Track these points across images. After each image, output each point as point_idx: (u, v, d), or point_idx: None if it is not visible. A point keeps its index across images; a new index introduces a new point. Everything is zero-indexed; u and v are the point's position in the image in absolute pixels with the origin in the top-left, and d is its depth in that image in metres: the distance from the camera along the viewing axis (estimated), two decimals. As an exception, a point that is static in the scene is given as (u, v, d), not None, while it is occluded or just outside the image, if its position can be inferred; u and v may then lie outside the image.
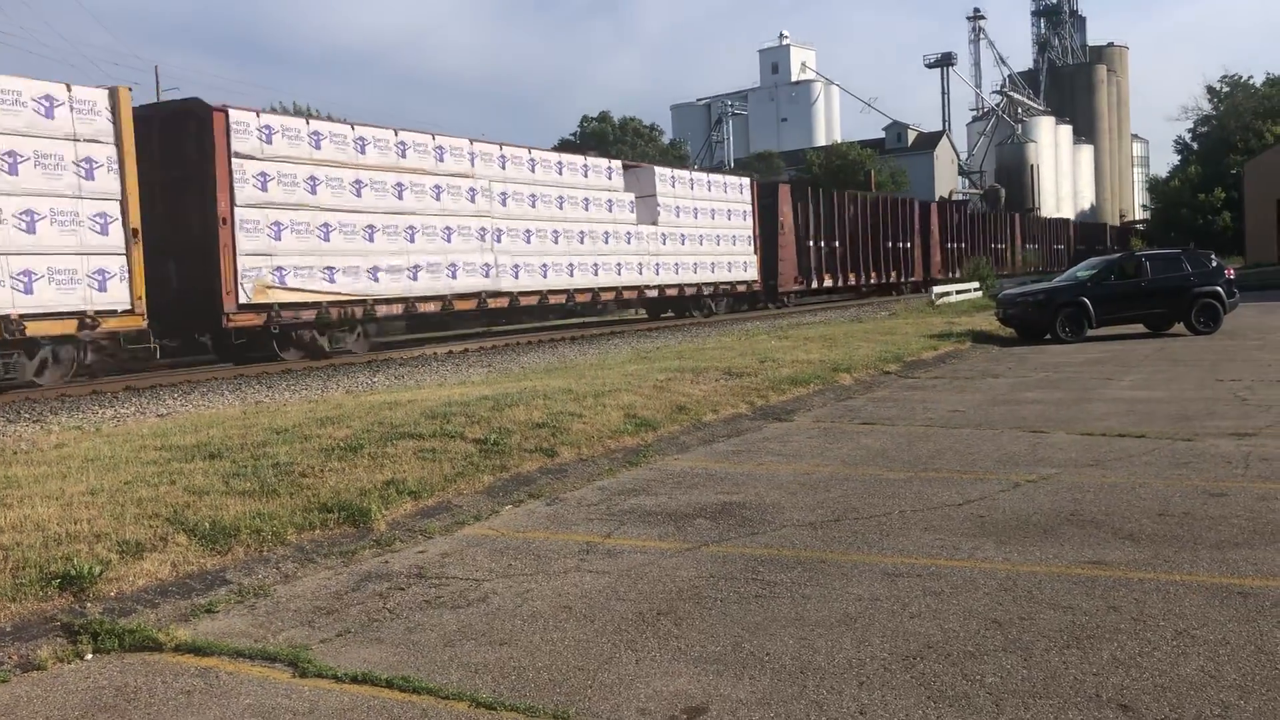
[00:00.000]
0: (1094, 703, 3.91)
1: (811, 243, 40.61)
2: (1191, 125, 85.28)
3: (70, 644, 4.93)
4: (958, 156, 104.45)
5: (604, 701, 4.12)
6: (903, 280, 49.34)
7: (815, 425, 11.16)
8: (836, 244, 42.55)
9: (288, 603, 5.58)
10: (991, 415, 11.28)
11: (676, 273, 32.17)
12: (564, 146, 64.14)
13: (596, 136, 77.72)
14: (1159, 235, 78.78)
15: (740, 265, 35.82)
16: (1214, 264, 21.42)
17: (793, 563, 5.93)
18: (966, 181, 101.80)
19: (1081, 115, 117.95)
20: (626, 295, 30.38)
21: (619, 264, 29.23)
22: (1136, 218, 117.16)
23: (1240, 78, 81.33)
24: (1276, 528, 6.23)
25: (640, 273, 30.38)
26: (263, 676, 4.53)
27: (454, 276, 23.53)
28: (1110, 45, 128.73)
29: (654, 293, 31.46)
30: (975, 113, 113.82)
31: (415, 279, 22.50)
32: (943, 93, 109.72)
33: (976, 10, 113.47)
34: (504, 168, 25.25)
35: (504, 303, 25.36)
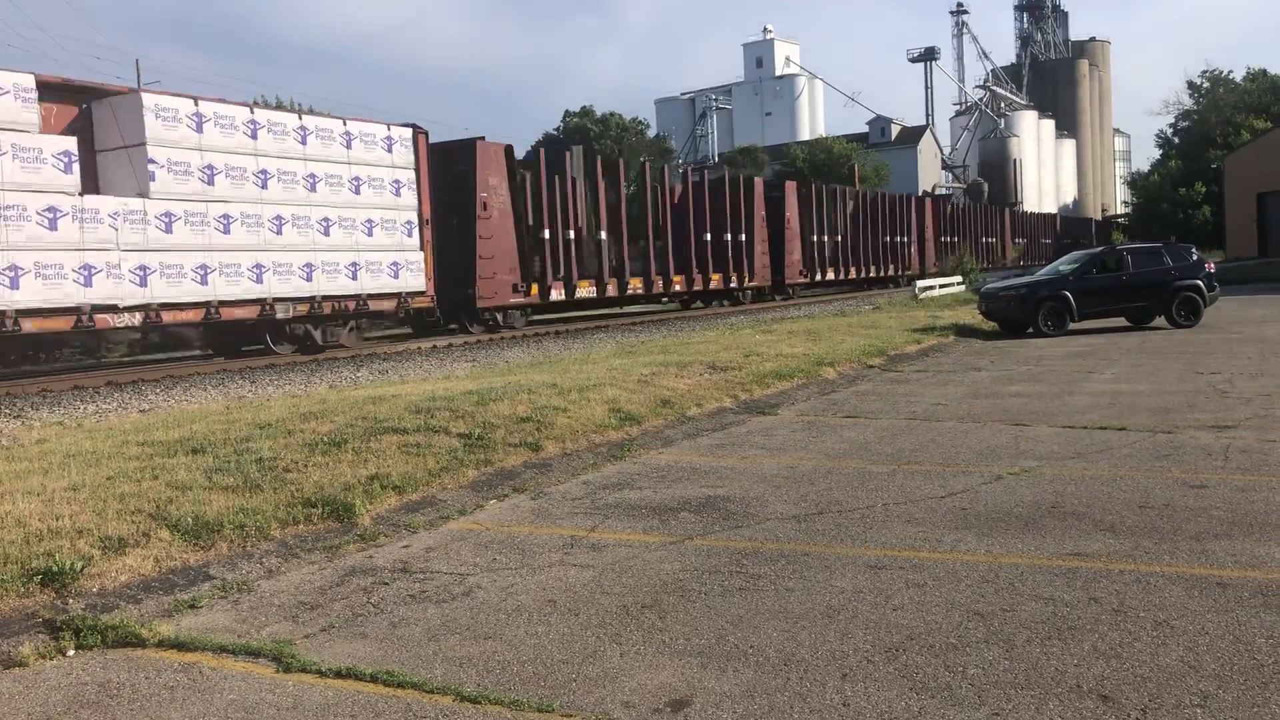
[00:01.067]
0: (1075, 693, 3.95)
1: (549, 233, 26.93)
2: (1172, 120, 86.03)
3: (52, 640, 4.91)
4: (941, 151, 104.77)
5: (588, 695, 4.13)
6: (739, 286, 36.63)
7: (799, 419, 11.19)
8: (604, 235, 29.58)
9: (271, 598, 5.56)
10: (974, 408, 11.33)
11: (205, 282, 17.98)
12: (546, 142, 60.42)
13: (579, 131, 77.48)
14: (1140, 229, 79.29)
15: (387, 268, 21.72)
16: (1195, 258, 21.55)
17: (776, 555, 5.96)
18: (950, 176, 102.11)
19: (1064, 110, 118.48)
20: (52, 325, 15.99)
21: (15, 268, 15.30)
22: (1118, 212, 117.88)
23: (1221, 73, 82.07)
24: (1255, 519, 6.29)
25: (89, 283, 16.26)
26: (246, 672, 4.52)
27: None
28: (1092, 40, 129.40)
29: (131, 318, 17.03)
30: (958, 107, 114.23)
31: None
32: (926, 87, 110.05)
33: (960, 4, 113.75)
34: None
35: None
